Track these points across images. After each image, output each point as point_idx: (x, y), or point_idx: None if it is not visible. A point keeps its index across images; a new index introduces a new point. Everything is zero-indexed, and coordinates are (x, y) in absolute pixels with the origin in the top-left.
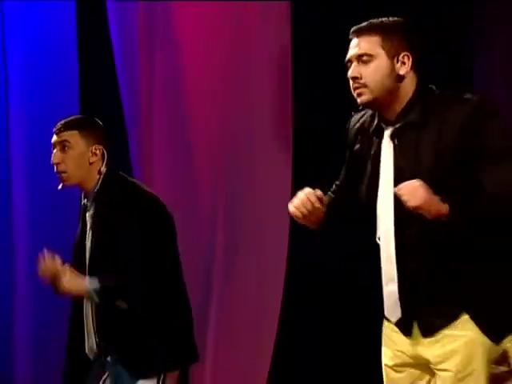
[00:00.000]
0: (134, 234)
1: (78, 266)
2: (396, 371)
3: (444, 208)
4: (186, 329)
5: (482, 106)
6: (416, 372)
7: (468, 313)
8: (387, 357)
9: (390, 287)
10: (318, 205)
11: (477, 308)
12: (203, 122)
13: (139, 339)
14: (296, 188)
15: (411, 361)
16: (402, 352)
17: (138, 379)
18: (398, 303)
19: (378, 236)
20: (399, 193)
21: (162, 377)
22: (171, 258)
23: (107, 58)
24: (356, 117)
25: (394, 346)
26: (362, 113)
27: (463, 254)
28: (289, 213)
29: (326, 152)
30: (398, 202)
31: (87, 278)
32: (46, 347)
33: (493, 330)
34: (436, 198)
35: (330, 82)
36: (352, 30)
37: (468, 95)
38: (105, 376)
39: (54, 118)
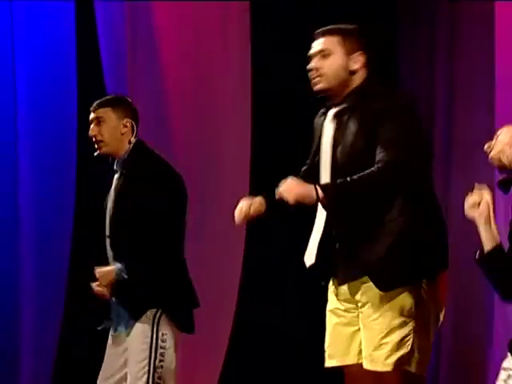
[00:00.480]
0: (153, 201)
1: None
2: (335, 315)
3: (315, 195)
4: (182, 278)
5: (398, 102)
6: (348, 315)
7: (365, 270)
8: (328, 303)
9: (315, 235)
10: (250, 213)
11: (372, 266)
12: (181, 122)
13: (139, 288)
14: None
15: (341, 306)
16: (336, 299)
17: (135, 320)
18: (315, 251)
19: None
20: (280, 191)
21: (158, 317)
22: (179, 227)
23: (96, 57)
24: (321, 111)
25: (331, 294)
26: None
27: (369, 221)
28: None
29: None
30: (334, 165)
31: (114, 267)
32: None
33: (382, 283)
34: (309, 190)
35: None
36: (317, 31)
37: (397, 93)
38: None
39: (55, 112)
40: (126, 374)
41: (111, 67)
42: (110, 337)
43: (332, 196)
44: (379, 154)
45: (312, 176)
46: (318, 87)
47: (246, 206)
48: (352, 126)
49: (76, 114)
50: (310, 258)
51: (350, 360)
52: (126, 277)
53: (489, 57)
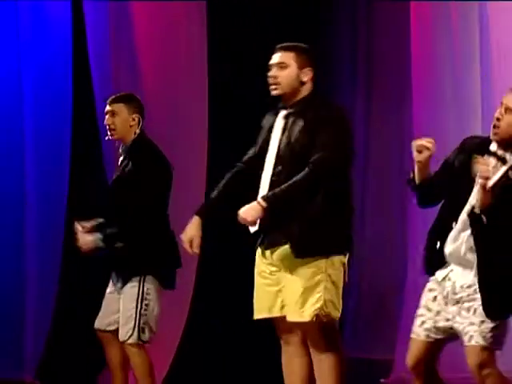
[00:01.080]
0: (142, 180)
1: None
2: (261, 277)
3: (262, 210)
4: (166, 246)
5: (335, 113)
6: (272, 277)
7: (289, 240)
8: (256, 267)
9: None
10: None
11: (294, 238)
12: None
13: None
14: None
15: (267, 270)
16: (262, 263)
17: (135, 273)
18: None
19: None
20: (239, 220)
21: (141, 283)
22: (165, 200)
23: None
24: (272, 111)
25: (259, 259)
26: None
27: (297, 205)
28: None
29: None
30: (278, 156)
31: (94, 238)
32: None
33: (299, 251)
34: (256, 209)
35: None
36: (277, 46)
37: (333, 105)
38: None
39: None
40: (118, 317)
41: (97, 65)
42: (110, 283)
43: (273, 204)
44: (314, 154)
45: (255, 163)
46: (274, 92)
47: (190, 245)
48: (298, 127)
49: (71, 110)
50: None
51: (275, 313)
52: (102, 245)
53: (404, 57)
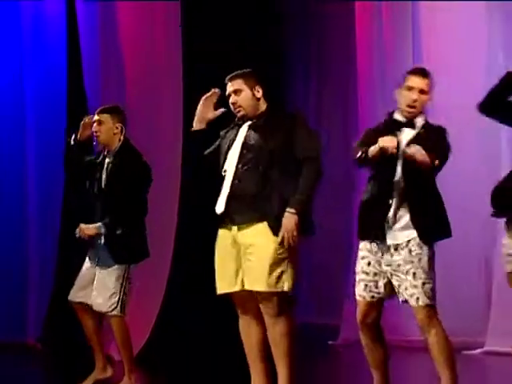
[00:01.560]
0: (132, 177)
1: (93, 188)
2: (225, 252)
3: (295, 217)
4: (145, 238)
5: (297, 119)
6: (233, 250)
7: (265, 219)
8: (219, 244)
9: (225, 190)
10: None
11: (270, 218)
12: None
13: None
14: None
15: (231, 247)
16: (229, 241)
17: (120, 260)
18: (224, 202)
19: (224, 169)
20: (287, 236)
21: (128, 266)
22: (145, 196)
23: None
24: (231, 126)
25: (223, 236)
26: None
27: (259, 183)
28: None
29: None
30: (240, 157)
31: (98, 224)
32: None
33: (275, 229)
34: (293, 220)
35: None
36: (227, 78)
37: (290, 112)
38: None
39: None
40: (91, 291)
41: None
42: (87, 260)
43: (303, 209)
44: (302, 151)
45: (211, 158)
46: (239, 114)
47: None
48: (263, 133)
49: (66, 106)
50: (220, 207)
51: (237, 288)
52: (104, 232)
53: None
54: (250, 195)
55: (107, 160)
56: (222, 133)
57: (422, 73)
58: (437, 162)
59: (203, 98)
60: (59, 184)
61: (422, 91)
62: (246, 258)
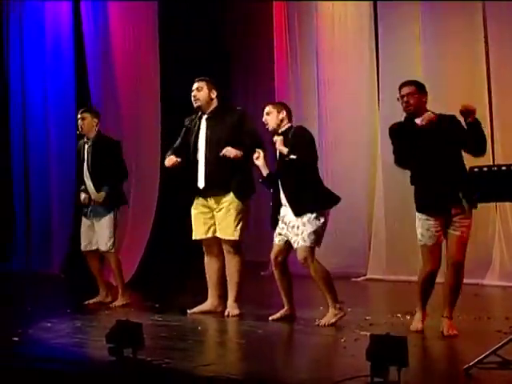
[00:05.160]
0: (110, 148)
1: (80, 168)
2: (200, 213)
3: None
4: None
5: (244, 114)
6: (208, 216)
7: (230, 190)
8: (195, 209)
9: (200, 172)
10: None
11: (235, 188)
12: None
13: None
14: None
15: (205, 209)
16: (201, 207)
17: (109, 209)
18: (203, 180)
19: (197, 158)
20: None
21: (115, 214)
22: (121, 163)
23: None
24: (193, 116)
25: (199, 202)
26: (192, 116)
27: (221, 164)
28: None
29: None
30: (207, 147)
31: (101, 192)
32: None
33: (238, 197)
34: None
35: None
36: (195, 80)
37: (237, 108)
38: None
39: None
40: (93, 240)
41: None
42: (84, 219)
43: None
44: (247, 141)
45: (181, 151)
46: (196, 105)
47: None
48: (220, 126)
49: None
50: (200, 183)
51: (210, 235)
52: (107, 192)
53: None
54: (217, 175)
55: (87, 145)
56: (186, 120)
57: (406, 83)
58: None
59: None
60: (72, 161)
61: (409, 94)
62: (219, 217)
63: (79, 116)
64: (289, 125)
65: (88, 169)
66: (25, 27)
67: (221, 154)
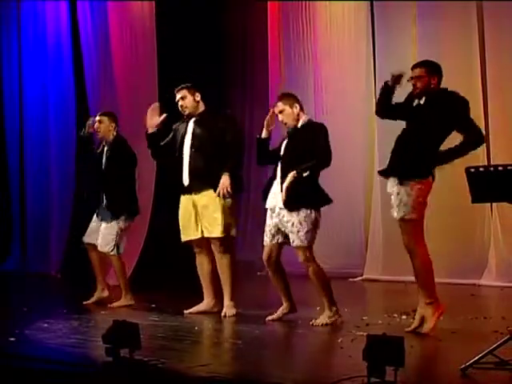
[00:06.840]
0: (126, 161)
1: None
2: (186, 212)
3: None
4: (136, 198)
5: (232, 118)
6: (193, 213)
7: (214, 187)
8: (182, 207)
9: (185, 169)
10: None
11: (213, 182)
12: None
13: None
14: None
15: (191, 206)
16: (187, 204)
17: (116, 217)
18: (188, 176)
19: (181, 154)
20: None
21: (123, 218)
22: (133, 172)
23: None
24: (181, 120)
25: (185, 201)
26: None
27: (206, 162)
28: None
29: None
30: (192, 148)
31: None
32: None
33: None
34: (224, 177)
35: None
36: (175, 90)
37: (225, 112)
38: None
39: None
40: (96, 236)
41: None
42: (94, 218)
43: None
44: (229, 137)
45: (167, 150)
46: (185, 114)
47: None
48: (207, 126)
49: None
50: (185, 180)
51: (198, 235)
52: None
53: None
54: (201, 170)
55: (105, 149)
56: (174, 126)
57: (417, 64)
58: None
59: (149, 110)
60: (72, 161)
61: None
62: (203, 215)
63: (97, 118)
64: (307, 119)
65: (102, 170)
66: (23, 26)
67: (220, 196)
